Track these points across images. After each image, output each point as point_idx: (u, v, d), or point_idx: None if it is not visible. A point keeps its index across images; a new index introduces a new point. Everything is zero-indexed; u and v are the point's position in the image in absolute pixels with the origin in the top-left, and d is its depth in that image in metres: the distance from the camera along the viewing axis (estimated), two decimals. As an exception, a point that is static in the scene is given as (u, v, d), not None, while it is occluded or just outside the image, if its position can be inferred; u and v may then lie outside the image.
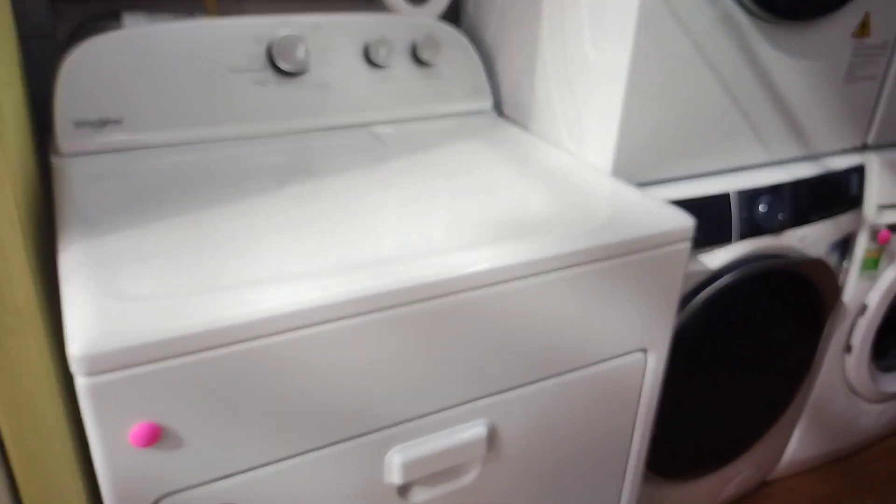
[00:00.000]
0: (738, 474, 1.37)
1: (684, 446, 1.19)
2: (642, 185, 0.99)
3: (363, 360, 0.66)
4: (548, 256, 0.71)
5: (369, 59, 1.06)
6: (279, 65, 0.98)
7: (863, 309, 1.30)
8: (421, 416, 0.73)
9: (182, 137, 0.94)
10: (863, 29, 1.07)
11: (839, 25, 1.04)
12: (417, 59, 1.09)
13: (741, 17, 0.94)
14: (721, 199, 1.02)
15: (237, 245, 0.69)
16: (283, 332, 0.61)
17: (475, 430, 0.77)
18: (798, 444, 1.45)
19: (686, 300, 1.02)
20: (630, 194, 0.88)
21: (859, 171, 1.18)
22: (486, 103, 1.17)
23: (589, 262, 0.74)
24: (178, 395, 0.59)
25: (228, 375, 0.60)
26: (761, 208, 1.05)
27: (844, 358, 1.35)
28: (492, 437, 0.79)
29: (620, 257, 0.77)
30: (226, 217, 0.74)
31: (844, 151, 1.19)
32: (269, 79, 0.99)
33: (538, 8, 1.04)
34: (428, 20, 1.12)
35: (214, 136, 0.96)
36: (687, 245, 0.83)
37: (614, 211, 0.82)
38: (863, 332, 1.31)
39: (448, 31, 1.13)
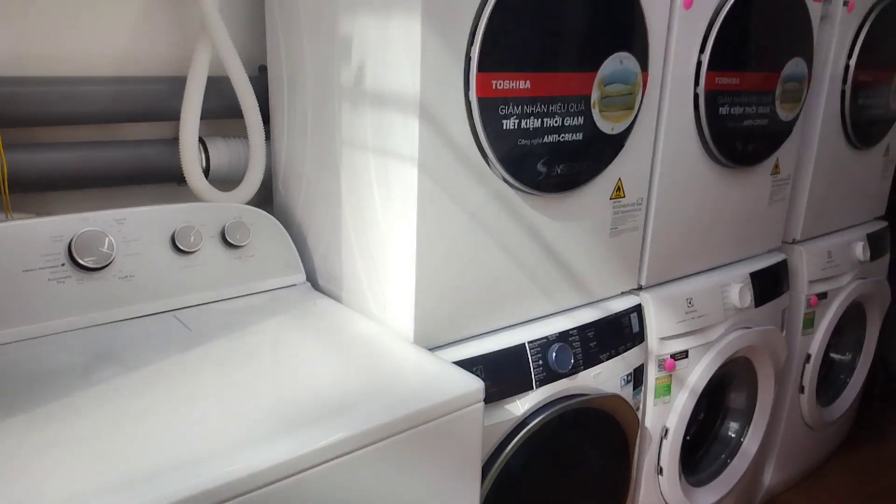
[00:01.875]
0: None
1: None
2: (444, 346, 1.07)
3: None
4: (333, 442, 0.74)
5: (177, 247, 1.09)
6: (80, 261, 0.99)
7: (665, 432, 1.43)
8: None
9: (-30, 343, 0.91)
10: (618, 192, 1.26)
11: (598, 191, 1.22)
12: (227, 242, 1.14)
13: (510, 193, 1.09)
14: (518, 351, 1.12)
15: (12, 465, 0.67)
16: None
17: None
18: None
19: (501, 448, 1.08)
20: (426, 362, 0.96)
21: (638, 310, 1.34)
22: (300, 277, 1.23)
23: (381, 439, 0.79)
24: None
25: None
26: (554, 355, 1.16)
27: (658, 479, 1.46)
28: None
29: (414, 429, 0.82)
30: (6, 429, 0.72)
31: (623, 294, 1.36)
32: (70, 275, 0.99)
33: (338, 186, 1.15)
34: (237, 205, 1.19)
35: (9, 338, 0.94)
36: (479, 406, 0.90)
37: (410, 383, 0.88)
38: (668, 453, 1.43)
39: (258, 214, 1.20)
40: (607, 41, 1.11)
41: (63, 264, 0.99)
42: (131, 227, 1.06)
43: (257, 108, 1.23)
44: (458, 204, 1.03)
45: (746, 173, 1.51)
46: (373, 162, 1.06)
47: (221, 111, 1.28)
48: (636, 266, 1.36)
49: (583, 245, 1.23)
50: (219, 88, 1.24)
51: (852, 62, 1.66)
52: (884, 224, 2.06)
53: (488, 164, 1.04)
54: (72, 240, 1.00)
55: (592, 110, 1.12)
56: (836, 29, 1.62)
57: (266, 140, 1.30)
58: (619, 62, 1.13)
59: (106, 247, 1.02)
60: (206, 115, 1.25)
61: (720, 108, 1.34)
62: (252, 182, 1.26)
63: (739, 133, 1.41)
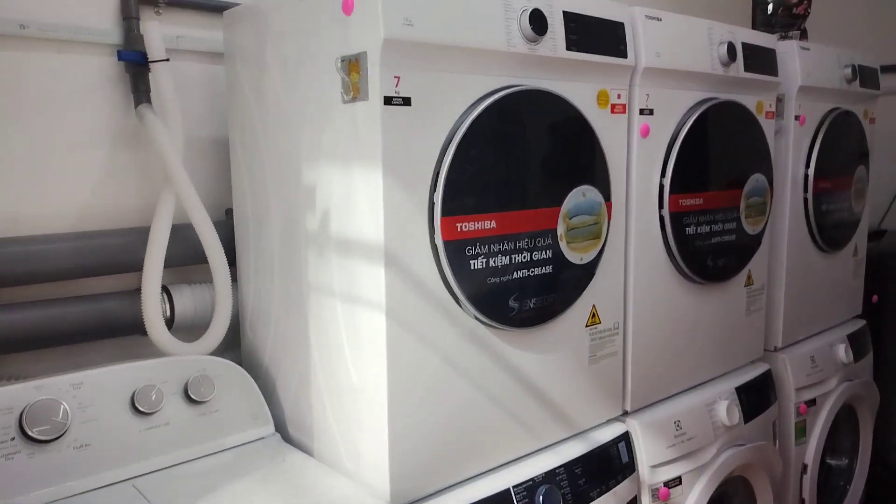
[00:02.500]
0: None
1: None
2: (423, 499, 1.01)
3: None
4: None
5: (136, 408, 1.04)
6: (31, 433, 0.93)
7: (665, 568, 1.34)
8: None
9: None
10: (593, 319, 1.24)
11: (573, 320, 1.20)
12: (191, 398, 1.09)
13: (483, 331, 1.06)
14: (503, 498, 1.06)
15: None
16: None
17: None
18: None
19: None
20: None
21: (626, 438, 1.29)
22: (268, 429, 1.17)
23: None
24: None
25: None
26: (542, 498, 1.09)
27: None
28: None
29: None
30: None
31: (608, 422, 1.31)
32: (19, 449, 0.93)
33: (306, 332, 1.11)
34: (202, 357, 1.15)
35: (-53, 526, 0.86)
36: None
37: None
38: (671, 592, 1.34)
39: (223, 365, 1.15)
40: (569, 176, 1.12)
41: (13, 438, 0.93)
42: (88, 392, 1.01)
43: (223, 256, 1.21)
44: (430, 348, 1.00)
45: (720, 288, 1.51)
46: (340, 308, 1.03)
47: (188, 257, 1.26)
48: (619, 391, 1.32)
49: (562, 376, 1.20)
50: (185, 235, 1.23)
51: (810, 171, 1.71)
52: (862, 323, 2.05)
53: (459, 305, 1.02)
54: (23, 411, 0.94)
55: (560, 243, 1.12)
56: (791, 142, 1.67)
57: (234, 282, 1.28)
58: (581, 195, 1.14)
59: (60, 415, 0.96)
60: (172, 263, 1.23)
61: (687, 229, 1.35)
62: (217, 330, 1.22)
63: (708, 250, 1.41)
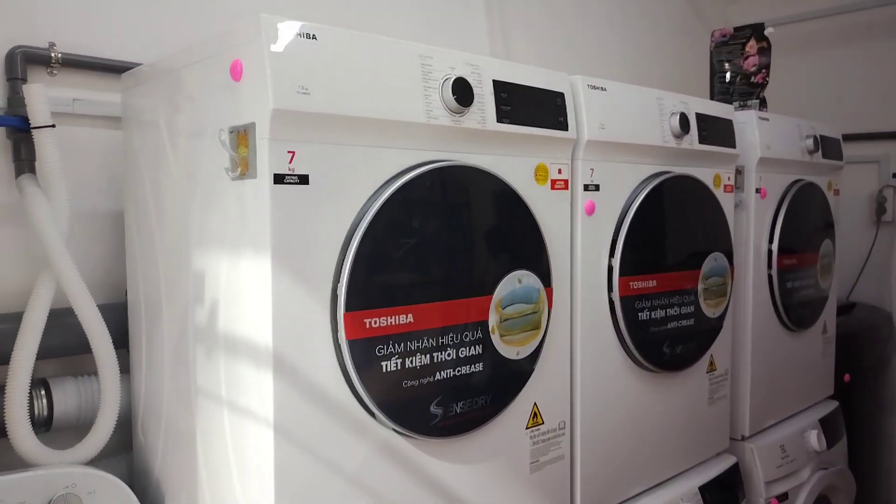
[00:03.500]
0: None
1: None
2: None
3: None
4: None
5: (-22, 540, 0.86)
6: None
7: None
8: None
9: None
10: (534, 419, 1.10)
11: (509, 423, 1.05)
12: (52, 524, 0.92)
13: (401, 443, 0.91)
14: None
15: None
16: None
17: None
18: None
19: None
20: None
21: (573, 556, 1.13)
22: (150, 555, 0.99)
23: None
24: None
25: None
26: None
27: None
28: None
29: None
30: None
31: (554, 537, 1.15)
32: None
33: (194, 443, 0.95)
34: (73, 469, 0.97)
35: None
36: None
37: None
38: None
39: (99, 478, 0.98)
40: (501, 261, 1.00)
41: None
42: (-86, 522, 0.83)
43: (109, 346, 1.05)
44: (333, 469, 0.84)
45: (679, 376, 1.37)
46: (227, 419, 0.87)
47: (76, 346, 1.10)
48: (567, 501, 1.17)
49: (499, 488, 1.04)
50: (72, 321, 1.07)
51: (774, 247, 1.60)
52: (834, 405, 1.93)
53: (370, 415, 0.87)
54: None
55: (492, 336, 0.98)
56: (752, 216, 1.57)
57: (127, 374, 1.12)
58: (517, 281, 1.01)
59: None
60: (57, 352, 1.08)
61: (639, 314, 1.22)
62: (99, 434, 1.05)
63: (664, 337, 1.28)
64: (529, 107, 1.03)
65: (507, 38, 1.89)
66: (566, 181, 1.11)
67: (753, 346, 1.58)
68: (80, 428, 1.10)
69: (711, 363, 1.46)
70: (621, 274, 1.18)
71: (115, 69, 1.17)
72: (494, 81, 0.98)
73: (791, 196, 1.64)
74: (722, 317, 1.44)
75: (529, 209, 1.03)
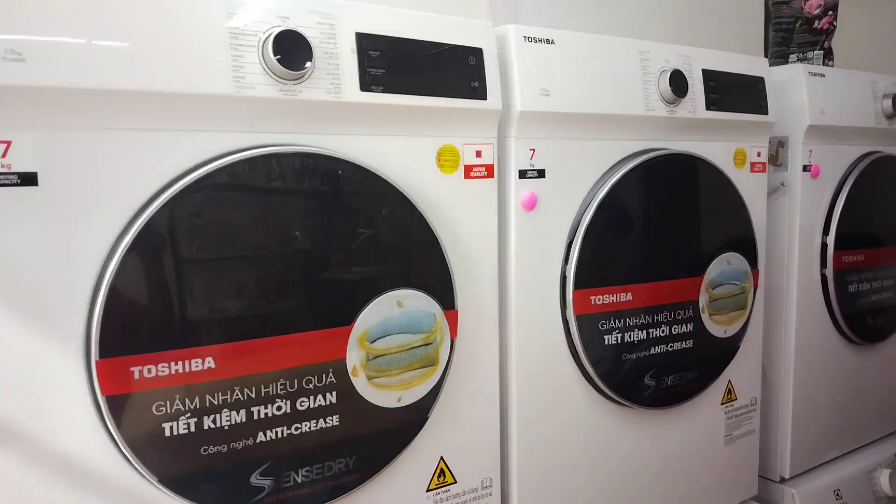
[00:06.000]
0: None
1: None
2: None
3: None
4: None
5: None
6: None
7: None
8: None
9: None
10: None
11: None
12: None
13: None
14: None
15: None
16: None
17: None
18: None
19: None
20: None
21: None
22: None
23: None
24: None
25: None
26: None
27: None
28: None
29: None
30: None
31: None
32: None
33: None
34: None
35: None
36: None
37: None
38: None
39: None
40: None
41: None
42: None
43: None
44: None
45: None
46: None
47: None
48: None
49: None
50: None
51: (830, 240, 1.24)
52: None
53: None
54: None
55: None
56: (797, 202, 1.21)
57: None
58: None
59: None
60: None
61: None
62: None
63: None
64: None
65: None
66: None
67: (798, 366, 1.24)
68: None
69: (729, 392, 1.15)
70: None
71: None
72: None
73: (857, 174, 1.27)
74: (739, 336, 1.11)
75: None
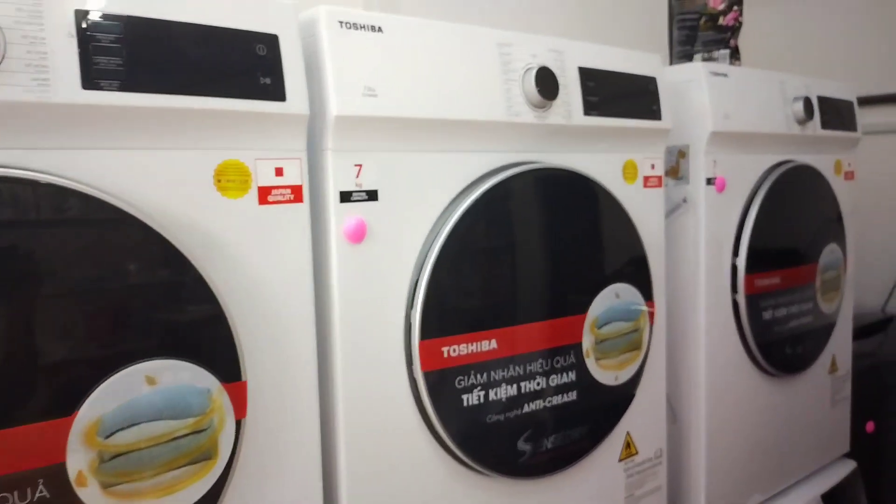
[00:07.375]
0: None
1: None
2: None
3: None
4: None
5: None
6: None
7: None
8: None
9: None
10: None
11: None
12: None
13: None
14: None
15: None
16: None
17: None
18: None
19: None
20: None
21: None
22: None
23: None
24: None
25: None
26: None
27: None
28: None
29: None
30: None
31: None
32: None
33: None
34: None
35: None
36: None
37: None
38: None
39: None
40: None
41: None
42: None
43: None
44: None
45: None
46: None
47: None
48: None
49: None
50: None
51: (741, 262, 1.09)
52: (851, 466, 1.40)
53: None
54: None
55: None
56: (702, 219, 1.06)
57: None
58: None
59: None
60: None
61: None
62: None
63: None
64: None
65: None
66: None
67: (710, 404, 1.08)
68: None
69: (629, 445, 0.98)
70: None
71: None
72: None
73: (768, 186, 1.13)
74: (634, 381, 0.95)
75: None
